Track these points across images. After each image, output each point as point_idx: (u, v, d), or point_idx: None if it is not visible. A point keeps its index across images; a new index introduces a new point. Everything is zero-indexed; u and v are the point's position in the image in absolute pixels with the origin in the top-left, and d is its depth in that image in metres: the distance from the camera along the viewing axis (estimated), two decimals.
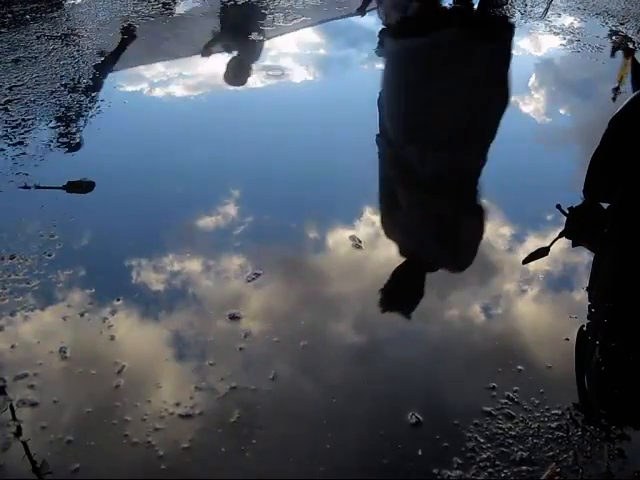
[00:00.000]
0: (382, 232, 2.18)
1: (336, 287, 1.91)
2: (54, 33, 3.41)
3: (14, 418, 1.47)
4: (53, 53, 3.19)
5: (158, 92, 3.05)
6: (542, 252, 2.09)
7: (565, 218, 2.24)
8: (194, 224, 2.17)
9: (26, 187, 2.28)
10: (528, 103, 3.12)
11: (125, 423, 1.46)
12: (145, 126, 2.78)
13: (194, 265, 1.96)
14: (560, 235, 2.16)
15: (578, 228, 2.23)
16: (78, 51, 3.24)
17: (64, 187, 2.28)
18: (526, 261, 2.06)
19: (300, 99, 3.10)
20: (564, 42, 3.62)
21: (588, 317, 1.83)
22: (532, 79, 3.36)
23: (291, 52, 3.49)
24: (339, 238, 2.12)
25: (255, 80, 3.19)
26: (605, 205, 2.31)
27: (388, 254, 2.09)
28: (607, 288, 2.01)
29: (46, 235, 2.05)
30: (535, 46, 3.66)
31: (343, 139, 2.63)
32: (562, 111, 3.13)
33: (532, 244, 2.14)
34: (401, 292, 1.96)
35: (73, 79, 2.96)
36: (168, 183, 2.37)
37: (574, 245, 2.14)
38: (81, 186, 2.29)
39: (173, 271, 1.93)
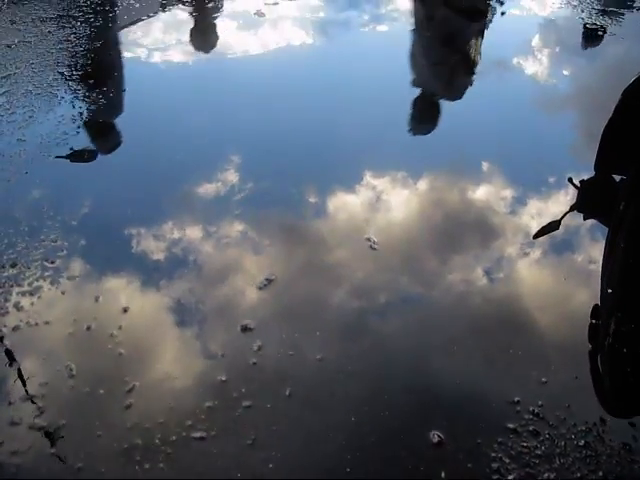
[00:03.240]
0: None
1: (352, 292, 1.84)
2: (49, 15, 3.27)
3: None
4: (49, 37, 3.06)
5: (156, 60, 3.02)
6: (553, 226, 2.07)
7: (577, 191, 2.21)
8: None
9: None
10: (531, 66, 3.12)
11: (136, 447, 1.41)
12: (145, 100, 2.76)
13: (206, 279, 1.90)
14: (571, 209, 2.12)
15: (590, 202, 2.20)
16: (75, 34, 3.11)
17: (68, 156, 2.32)
18: (537, 235, 2.04)
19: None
20: (583, 15, 3.47)
21: (602, 302, 1.76)
22: (535, 40, 3.25)
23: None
24: (351, 234, 2.04)
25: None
26: (617, 178, 2.27)
27: (406, 260, 2.00)
28: (623, 269, 1.93)
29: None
30: (554, 22, 3.51)
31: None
32: (566, 73, 3.11)
33: (535, 207, 2.13)
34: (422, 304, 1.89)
35: (70, 65, 2.85)
36: (169, 151, 2.37)
37: (585, 218, 2.11)
38: (83, 155, 2.33)
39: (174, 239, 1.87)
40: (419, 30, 3.41)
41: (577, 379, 1.61)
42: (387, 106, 2.72)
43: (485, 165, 2.40)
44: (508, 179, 2.31)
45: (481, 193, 2.25)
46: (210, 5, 3.47)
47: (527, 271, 1.93)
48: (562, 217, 2.10)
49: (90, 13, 3.31)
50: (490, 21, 3.59)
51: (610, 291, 1.81)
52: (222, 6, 3.48)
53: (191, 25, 3.27)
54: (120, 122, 2.59)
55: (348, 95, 2.74)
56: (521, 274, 1.92)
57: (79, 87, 2.69)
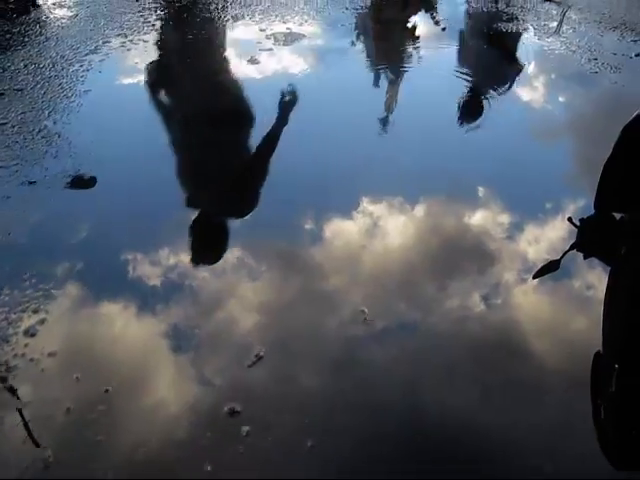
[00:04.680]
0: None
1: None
2: (42, 60, 3.23)
3: None
4: (40, 84, 3.01)
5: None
6: (553, 266, 2.04)
7: (576, 230, 2.19)
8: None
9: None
10: (527, 93, 3.16)
11: None
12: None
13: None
14: (571, 247, 2.11)
15: (590, 241, 2.18)
16: (67, 82, 3.06)
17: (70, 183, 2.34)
18: (536, 276, 2.00)
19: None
20: (582, 61, 3.42)
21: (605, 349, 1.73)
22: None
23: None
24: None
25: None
26: (618, 216, 2.23)
27: (403, 285, 1.98)
28: (626, 315, 1.90)
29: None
30: (552, 67, 3.46)
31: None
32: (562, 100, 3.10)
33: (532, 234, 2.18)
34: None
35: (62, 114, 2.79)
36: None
37: (585, 258, 2.08)
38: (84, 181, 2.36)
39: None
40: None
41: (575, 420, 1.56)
42: (382, 136, 2.80)
43: (482, 191, 2.42)
44: (505, 205, 2.33)
45: (478, 219, 2.29)
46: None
47: (527, 297, 1.94)
48: (561, 257, 2.07)
49: (84, 57, 3.27)
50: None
51: (612, 342, 1.77)
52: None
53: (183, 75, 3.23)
54: (116, 149, 2.59)
55: (344, 124, 2.81)
56: (521, 301, 1.92)
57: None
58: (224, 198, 2.42)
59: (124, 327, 1.84)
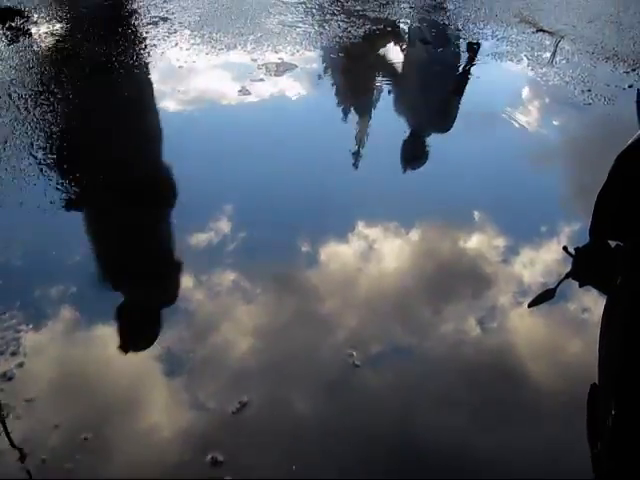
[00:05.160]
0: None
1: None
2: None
3: None
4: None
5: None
6: (548, 295, 2.04)
7: (572, 259, 2.19)
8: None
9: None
10: (522, 116, 3.21)
11: None
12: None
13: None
14: (566, 276, 2.12)
15: (585, 269, 2.17)
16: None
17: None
18: (532, 304, 2.00)
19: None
20: (575, 93, 3.41)
21: (601, 378, 1.72)
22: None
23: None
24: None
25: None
26: (613, 244, 2.22)
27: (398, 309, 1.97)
28: (621, 346, 1.88)
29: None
30: (546, 98, 3.45)
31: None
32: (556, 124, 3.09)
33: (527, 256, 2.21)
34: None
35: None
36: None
37: (581, 286, 2.09)
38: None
39: None
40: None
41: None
42: (376, 161, 2.79)
43: (477, 215, 2.45)
44: (500, 229, 2.36)
45: (473, 243, 2.30)
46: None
47: (523, 321, 1.95)
48: (557, 285, 2.08)
49: (70, 90, 3.22)
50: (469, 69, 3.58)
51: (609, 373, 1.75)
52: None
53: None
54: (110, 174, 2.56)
55: (339, 149, 2.85)
56: (517, 325, 1.94)
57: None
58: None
59: (105, 368, 1.78)
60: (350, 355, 1.81)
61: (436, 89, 3.64)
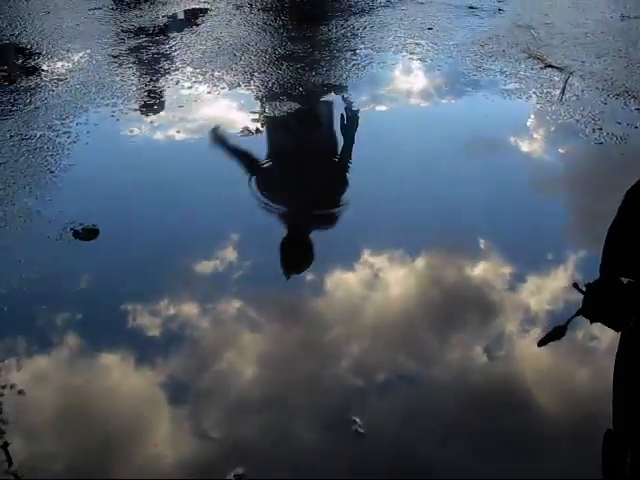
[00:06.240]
0: None
1: None
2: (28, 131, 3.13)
3: None
4: (23, 158, 2.90)
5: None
6: (559, 332, 2.02)
7: (582, 296, 2.14)
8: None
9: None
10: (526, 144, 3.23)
11: None
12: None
13: None
14: (577, 313, 2.08)
15: (596, 306, 2.13)
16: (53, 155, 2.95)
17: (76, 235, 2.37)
18: (542, 343, 1.99)
19: None
20: (586, 132, 3.32)
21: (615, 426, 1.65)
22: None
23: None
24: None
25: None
26: (625, 280, 2.17)
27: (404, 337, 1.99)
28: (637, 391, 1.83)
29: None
30: (557, 136, 3.37)
31: None
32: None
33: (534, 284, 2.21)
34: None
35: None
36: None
37: (592, 323, 2.06)
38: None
39: None
40: None
41: None
42: (381, 188, 2.80)
43: (482, 243, 2.45)
44: (506, 257, 2.36)
45: (478, 271, 2.30)
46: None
47: (530, 350, 1.95)
48: (567, 322, 2.04)
49: (70, 128, 3.18)
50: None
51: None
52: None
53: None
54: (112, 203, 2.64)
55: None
56: (524, 354, 1.93)
57: None
58: None
59: (107, 397, 1.75)
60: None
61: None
